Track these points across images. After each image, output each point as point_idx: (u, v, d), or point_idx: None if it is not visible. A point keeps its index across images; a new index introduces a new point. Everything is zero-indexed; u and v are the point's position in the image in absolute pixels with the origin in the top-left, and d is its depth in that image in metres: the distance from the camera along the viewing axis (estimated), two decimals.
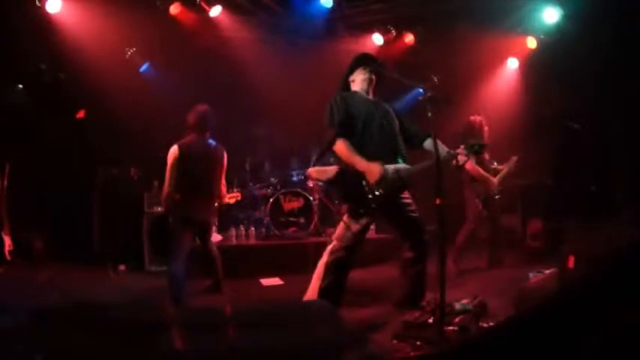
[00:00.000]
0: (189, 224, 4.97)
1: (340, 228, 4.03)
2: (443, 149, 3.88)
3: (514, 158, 6.33)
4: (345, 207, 3.98)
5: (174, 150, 4.99)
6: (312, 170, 4.05)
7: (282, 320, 1.82)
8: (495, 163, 6.50)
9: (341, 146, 3.83)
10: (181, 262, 4.81)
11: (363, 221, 3.86)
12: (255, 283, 6.35)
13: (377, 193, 3.70)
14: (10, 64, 7.00)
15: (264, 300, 5.59)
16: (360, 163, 3.76)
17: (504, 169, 6.34)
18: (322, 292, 3.84)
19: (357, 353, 1.57)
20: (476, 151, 3.87)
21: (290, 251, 7.10)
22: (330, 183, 3.93)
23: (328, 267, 3.89)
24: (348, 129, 3.89)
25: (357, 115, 3.95)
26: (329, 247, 4.02)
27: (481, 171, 6.11)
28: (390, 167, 3.79)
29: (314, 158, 4.98)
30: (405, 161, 3.96)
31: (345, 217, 3.94)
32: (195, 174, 4.99)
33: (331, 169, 3.88)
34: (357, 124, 3.94)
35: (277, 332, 1.71)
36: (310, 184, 8.08)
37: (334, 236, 4.12)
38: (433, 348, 3.17)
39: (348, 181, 3.81)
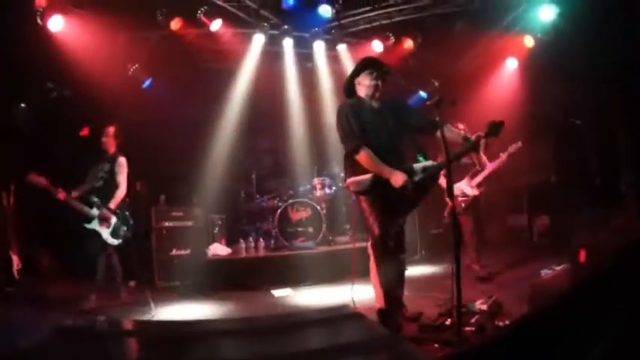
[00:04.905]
0: None
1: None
2: (459, 135, 4.05)
3: (503, 155, 6.03)
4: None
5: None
6: (350, 182, 4.04)
7: (312, 324, 1.84)
8: (484, 160, 6.17)
9: (365, 155, 3.87)
10: None
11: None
12: (267, 294, 6.34)
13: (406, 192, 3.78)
14: (14, 83, 7.05)
15: (285, 309, 5.59)
16: (385, 170, 3.82)
17: (489, 168, 6.09)
18: (385, 283, 3.91)
19: (390, 353, 1.59)
20: (496, 133, 3.83)
21: (300, 261, 7.09)
22: (368, 192, 3.90)
23: (378, 262, 3.95)
24: (365, 138, 3.93)
25: (365, 126, 4.00)
26: (368, 245, 4.08)
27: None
28: (419, 166, 3.90)
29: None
30: (425, 158, 4.03)
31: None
32: None
33: (366, 178, 3.88)
34: (367, 134, 3.97)
35: (308, 336, 1.74)
36: (318, 193, 8.11)
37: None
38: (452, 349, 3.18)
39: (383, 185, 3.83)
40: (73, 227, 6.77)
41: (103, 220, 5.75)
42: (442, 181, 5.67)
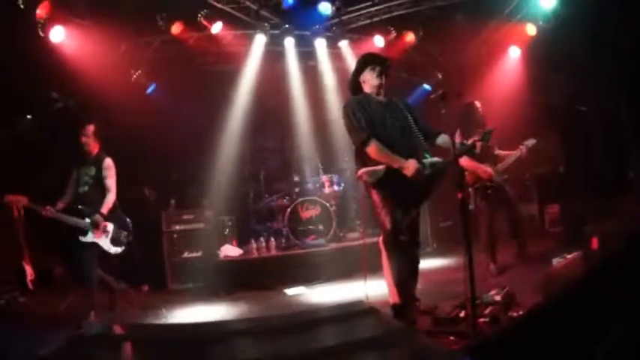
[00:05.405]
0: None
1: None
2: (455, 142, 4.04)
3: (523, 147, 5.75)
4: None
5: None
6: (362, 172, 4.05)
7: (326, 321, 1.85)
8: (497, 149, 5.98)
9: (374, 147, 3.92)
10: None
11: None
12: (280, 293, 6.36)
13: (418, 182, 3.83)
14: (20, 95, 7.08)
15: (299, 307, 5.59)
16: (396, 160, 3.86)
17: (510, 156, 5.81)
18: (397, 277, 3.92)
19: (406, 347, 1.60)
20: (487, 139, 4.08)
21: (312, 259, 7.11)
22: (380, 182, 3.94)
23: (389, 257, 3.95)
24: (373, 131, 3.98)
25: (373, 120, 4.04)
26: (379, 240, 4.09)
27: (472, 163, 5.64)
28: (428, 161, 3.93)
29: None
30: (431, 156, 4.06)
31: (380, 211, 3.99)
32: None
33: (379, 168, 3.92)
34: (375, 128, 4.02)
35: (323, 333, 1.75)
36: (327, 191, 8.11)
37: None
38: (468, 341, 3.18)
39: (394, 177, 3.87)
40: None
41: (98, 228, 5.28)
42: (463, 162, 5.36)
